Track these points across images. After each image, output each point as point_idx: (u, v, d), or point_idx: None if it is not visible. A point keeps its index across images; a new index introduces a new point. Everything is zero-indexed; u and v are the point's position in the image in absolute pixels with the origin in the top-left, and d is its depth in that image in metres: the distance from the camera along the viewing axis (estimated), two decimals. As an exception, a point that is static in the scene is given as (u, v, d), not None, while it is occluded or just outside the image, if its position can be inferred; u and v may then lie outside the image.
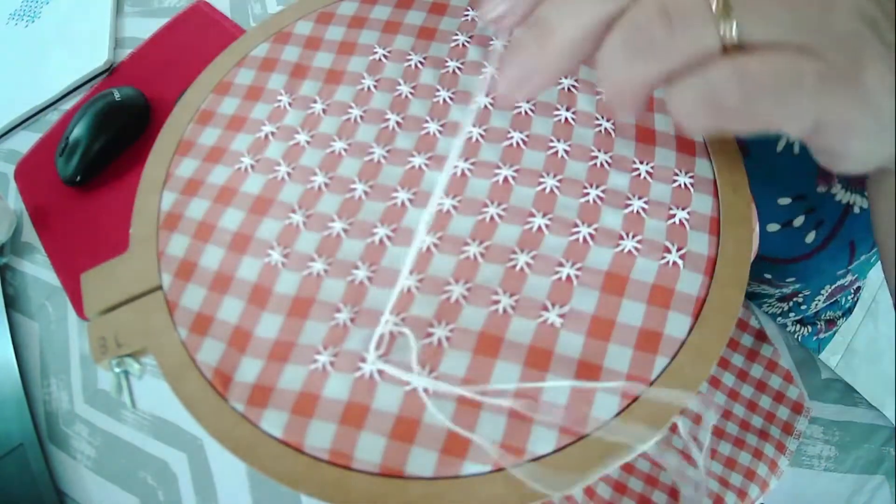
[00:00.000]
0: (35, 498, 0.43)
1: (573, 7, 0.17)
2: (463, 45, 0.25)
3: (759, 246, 0.22)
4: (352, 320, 0.20)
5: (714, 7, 0.16)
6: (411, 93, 0.24)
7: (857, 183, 0.35)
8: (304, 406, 0.19)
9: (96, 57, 0.58)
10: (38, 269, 0.52)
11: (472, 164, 0.22)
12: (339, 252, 0.21)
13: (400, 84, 0.25)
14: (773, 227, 0.38)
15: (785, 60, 0.16)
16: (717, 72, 0.16)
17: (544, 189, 0.22)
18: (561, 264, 0.20)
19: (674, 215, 0.21)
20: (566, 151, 0.22)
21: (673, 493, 0.35)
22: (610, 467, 0.17)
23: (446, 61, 0.25)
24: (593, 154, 0.22)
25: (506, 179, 0.22)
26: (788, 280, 0.44)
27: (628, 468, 0.36)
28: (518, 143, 0.23)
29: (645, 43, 0.16)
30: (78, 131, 0.51)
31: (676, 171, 0.22)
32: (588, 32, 0.17)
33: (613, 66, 0.17)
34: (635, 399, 0.18)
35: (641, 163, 0.22)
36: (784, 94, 0.16)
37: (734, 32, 0.16)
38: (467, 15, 0.26)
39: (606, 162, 0.22)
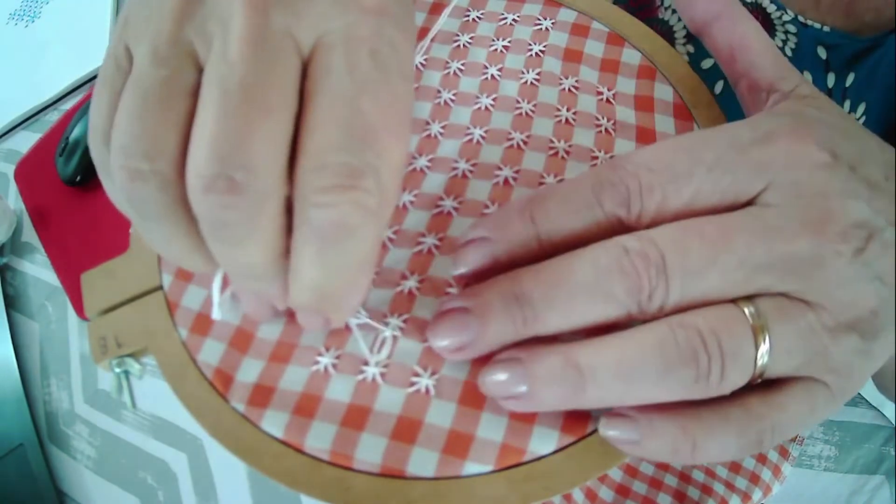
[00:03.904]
0: (35, 498, 0.43)
1: (564, 302, 0.16)
2: (464, 45, 0.25)
3: None
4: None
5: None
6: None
7: None
8: (305, 407, 0.19)
9: (96, 57, 0.58)
10: (38, 269, 0.52)
11: (473, 165, 0.22)
12: None
13: (401, 84, 0.25)
14: None
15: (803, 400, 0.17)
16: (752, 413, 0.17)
17: None
18: None
19: None
20: (566, 152, 0.22)
21: (678, 495, 0.35)
22: (610, 467, 0.18)
23: (447, 62, 0.25)
24: (594, 154, 0.22)
25: (506, 181, 0.22)
26: None
27: (632, 471, 0.36)
28: (518, 145, 0.23)
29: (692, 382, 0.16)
30: (78, 131, 0.51)
31: None
32: (575, 327, 0.16)
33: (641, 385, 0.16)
34: None
35: None
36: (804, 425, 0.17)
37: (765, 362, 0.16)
38: (468, 15, 0.26)
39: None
